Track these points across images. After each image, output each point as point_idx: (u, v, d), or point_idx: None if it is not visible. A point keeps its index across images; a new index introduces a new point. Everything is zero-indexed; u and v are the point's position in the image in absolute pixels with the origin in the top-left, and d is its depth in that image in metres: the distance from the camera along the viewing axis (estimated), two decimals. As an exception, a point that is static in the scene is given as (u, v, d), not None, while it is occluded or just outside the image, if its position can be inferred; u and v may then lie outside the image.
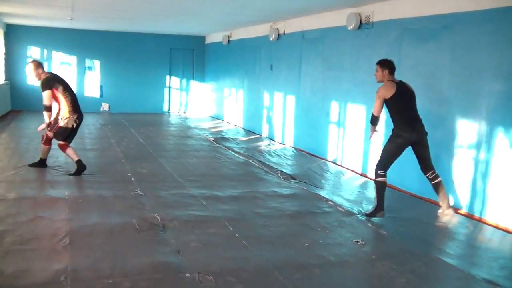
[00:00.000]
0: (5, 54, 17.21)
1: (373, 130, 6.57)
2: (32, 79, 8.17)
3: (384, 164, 6.33)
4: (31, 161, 8.51)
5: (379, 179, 6.32)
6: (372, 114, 6.42)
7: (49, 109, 7.73)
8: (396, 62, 6.47)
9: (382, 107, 6.35)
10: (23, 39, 17.56)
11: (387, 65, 6.41)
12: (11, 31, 17.32)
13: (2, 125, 13.64)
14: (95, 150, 10.22)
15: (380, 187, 6.33)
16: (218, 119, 17.74)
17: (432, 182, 6.42)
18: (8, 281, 4.12)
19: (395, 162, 6.37)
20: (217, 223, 5.88)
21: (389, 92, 6.20)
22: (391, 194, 7.76)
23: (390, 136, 6.39)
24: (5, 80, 16.94)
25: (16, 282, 4.11)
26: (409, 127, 6.23)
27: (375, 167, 6.40)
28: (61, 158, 8.97)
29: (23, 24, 17.22)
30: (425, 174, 6.45)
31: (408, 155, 6.42)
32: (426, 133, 6.35)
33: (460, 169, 6.81)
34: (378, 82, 6.49)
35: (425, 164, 6.40)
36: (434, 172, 6.39)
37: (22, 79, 17.48)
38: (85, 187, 7.36)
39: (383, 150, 6.41)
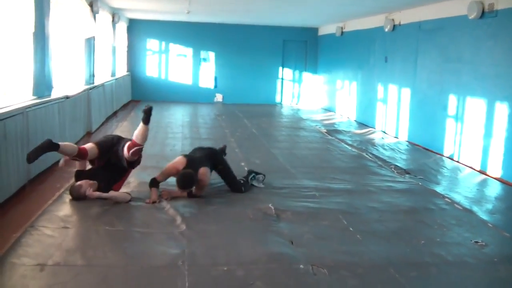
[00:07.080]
0: (127, 47, 18.15)
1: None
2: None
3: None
4: (149, 148, 8.60)
5: None
6: None
7: None
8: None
9: None
10: (143, 32, 18.48)
11: None
12: (133, 26, 18.28)
13: (123, 114, 14.46)
14: (210, 139, 10.48)
15: None
16: (330, 111, 17.65)
17: None
18: (131, 261, 4.38)
19: None
20: (330, 215, 5.87)
21: None
22: (511, 193, 7.42)
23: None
24: (127, 72, 17.88)
25: (137, 263, 4.35)
26: None
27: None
28: (178, 146, 9.36)
29: (143, 19, 18.12)
30: None
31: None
32: None
33: None
34: None
35: None
36: None
37: (142, 70, 18.43)
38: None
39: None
